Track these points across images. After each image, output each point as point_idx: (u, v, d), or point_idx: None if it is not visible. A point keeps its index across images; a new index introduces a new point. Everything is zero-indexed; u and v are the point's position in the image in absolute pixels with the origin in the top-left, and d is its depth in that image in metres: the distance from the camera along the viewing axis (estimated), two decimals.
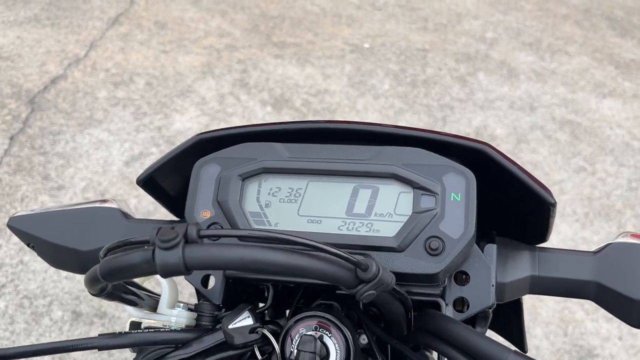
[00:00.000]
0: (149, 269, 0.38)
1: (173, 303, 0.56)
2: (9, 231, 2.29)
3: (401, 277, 0.48)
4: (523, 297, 0.65)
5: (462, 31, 3.61)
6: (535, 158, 2.81)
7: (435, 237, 0.48)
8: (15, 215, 0.68)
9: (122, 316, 2.08)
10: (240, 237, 0.43)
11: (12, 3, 3.28)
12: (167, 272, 0.38)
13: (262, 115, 2.82)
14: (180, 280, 0.65)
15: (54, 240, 0.64)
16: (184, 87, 2.91)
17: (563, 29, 3.74)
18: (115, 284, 0.47)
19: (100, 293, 0.46)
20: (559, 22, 3.81)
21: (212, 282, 0.57)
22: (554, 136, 2.94)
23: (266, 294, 0.58)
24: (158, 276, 0.58)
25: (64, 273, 2.15)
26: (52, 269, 2.15)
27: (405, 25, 3.58)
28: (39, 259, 2.18)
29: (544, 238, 0.60)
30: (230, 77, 3.00)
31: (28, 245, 0.68)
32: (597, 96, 3.22)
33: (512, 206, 0.58)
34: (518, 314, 0.67)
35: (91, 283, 0.43)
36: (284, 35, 3.35)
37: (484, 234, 0.57)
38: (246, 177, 0.53)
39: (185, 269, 0.38)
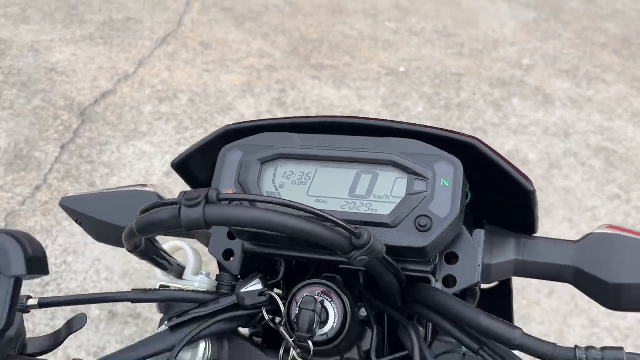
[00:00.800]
0: (176, 224, 0.46)
1: (197, 271, 0.63)
2: (54, 232, 2.44)
3: (394, 251, 0.54)
4: (516, 289, 0.70)
5: (498, 57, 3.65)
6: (567, 184, 2.80)
7: (425, 215, 0.54)
8: (67, 196, 0.78)
9: (155, 318, 2.18)
10: (252, 202, 0.51)
11: (69, 22, 3.51)
12: (190, 226, 0.46)
13: None
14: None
15: (99, 217, 0.73)
16: (225, 105, 3.05)
17: (601, 57, 3.73)
18: (147, 243, 0.55)
19: (134, 249, 0.53)
20: (597, 51, 3.80)
21: (235, 258, 0.65)
22: (588, 163, 2.93)
23: (279, 269, 0.65)
24: (185, 247, 0.66)
25: (103, 275, 2.27)
26: (93, 270, 2.28)
27: (441, 51, 3.65)
28: (81, 260, 2.31)
29: (533, 229, 0.65)
30: (269, 96, 3.12)
31: (76, 221, 0.77)
32: (634, 125, 3.19)
33: (501, 196, 0.63)
34: (508, 299, 0.72)
35: (128, 238, 0.51)
36: (322, 57, 3.47)
37: (476, 224, 0.63)
38: (264, 162, 0.60)
39: (205, 224, 0.45)
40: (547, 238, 0.63)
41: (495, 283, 0.81)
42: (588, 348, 0.48)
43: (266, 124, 0.64)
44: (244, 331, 0.67)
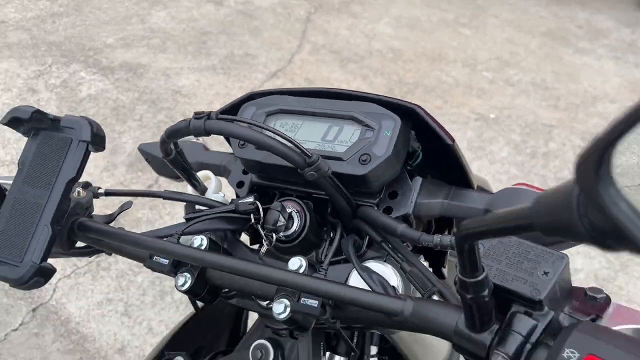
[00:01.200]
0: (187, 131, 0.70)
1: (217, 191, 0.87)
2: (157, 224, 2.82)
3: (345, 179, 0.74)
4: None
5: (595, 112, 3.62)
6: None
7: (366, 154, 0.73)
8: (142, 143, 1.07)
9: None
10: (239, 122, 0.73)
11: (198, 54, 4.06)
12: (196, 133, 0.69)
13: None
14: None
15: (160, 156, 1.01)
16: None
17: None
18: (176, 155, 0.79)
19: (167, 156, 0.78)
20: None
21: (244, 187, 0.88)
22: None
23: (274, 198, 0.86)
24: (211, 175, 0.90)
25: None
26: None
27: (535, 102, 3.71)
28: None
29: (469, 184, 0.81)
30: None
31: (146, 160, 1.06)
32: None
33: (439, 155, 0.80)
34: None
35: (161, 144, 0.76)
36: (415, 99, 3.67)
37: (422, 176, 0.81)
38: (269, 114, 0.83)
39: (205, 132, 0.69)
40: (473, 190, 0.79)
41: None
42: (442, 236, 0.64)
43: (276, 90, 0.87)
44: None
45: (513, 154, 3.28)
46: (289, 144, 0.69)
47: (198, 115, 0.70)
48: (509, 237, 0.56)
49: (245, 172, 0.89)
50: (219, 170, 0.96)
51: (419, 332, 0.55)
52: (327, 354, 0.83)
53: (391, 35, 4.38)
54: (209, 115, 0.70)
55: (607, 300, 0.52)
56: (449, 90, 3.80)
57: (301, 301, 0.63)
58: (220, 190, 0.89)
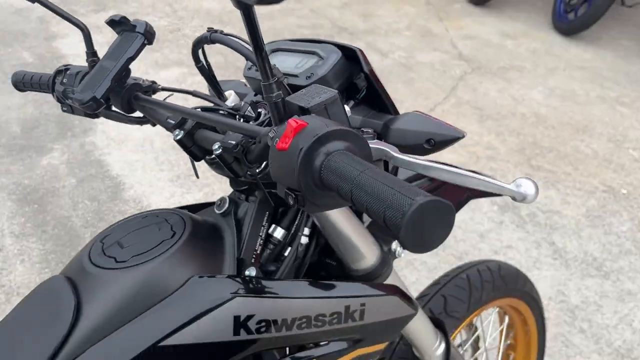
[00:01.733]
0: (201, 40, 1.07)
1: (233, 102, 1.23)
2: None
3: (295, 89, 1.03)
4: None
5: None
6: None
7: (312, 73, 1.02)
8: None
9: None
10: (234, 38, 1.08)
11: None
12: (206, 41, 1.05)
13: (486, 209, 3.20)
14: None
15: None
16: None
17: None
18: (203, 65, 1.16)
19: (197, 63, 1.15)
20: None
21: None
22: None
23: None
24: (232, 92, 1.26)
25: None
26: None
27: None
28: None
29: (388, 111, 1.04)
30: None
31: (208, 89, 1.46)
32: None
33: (376, 91, 1.05)
34: None
35: (192, 52, 1.13)
36: (544, 162, 3.68)
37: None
38: (271, 51, 1.16)
39: (210, 40, 1.05)
40: (387, 114, 1.02)
41: None
42: None
43: (285, 40, 1.21)
44: None
45: (634, 231, 3.11)
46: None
47: (209, 31, 1.07)
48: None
49: (255, 95, 1.24)
50: (243, 97, 1.32)
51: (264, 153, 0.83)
52: (273, 225, 1.11)
53: (540, 103, 4.41)
54: (215, 31, 1.07)
55: (367, 134, 0.75)
56: (584, 160, 3.72)
57: (227, 141, 0.94)
58: (237, 102, 1.25)
